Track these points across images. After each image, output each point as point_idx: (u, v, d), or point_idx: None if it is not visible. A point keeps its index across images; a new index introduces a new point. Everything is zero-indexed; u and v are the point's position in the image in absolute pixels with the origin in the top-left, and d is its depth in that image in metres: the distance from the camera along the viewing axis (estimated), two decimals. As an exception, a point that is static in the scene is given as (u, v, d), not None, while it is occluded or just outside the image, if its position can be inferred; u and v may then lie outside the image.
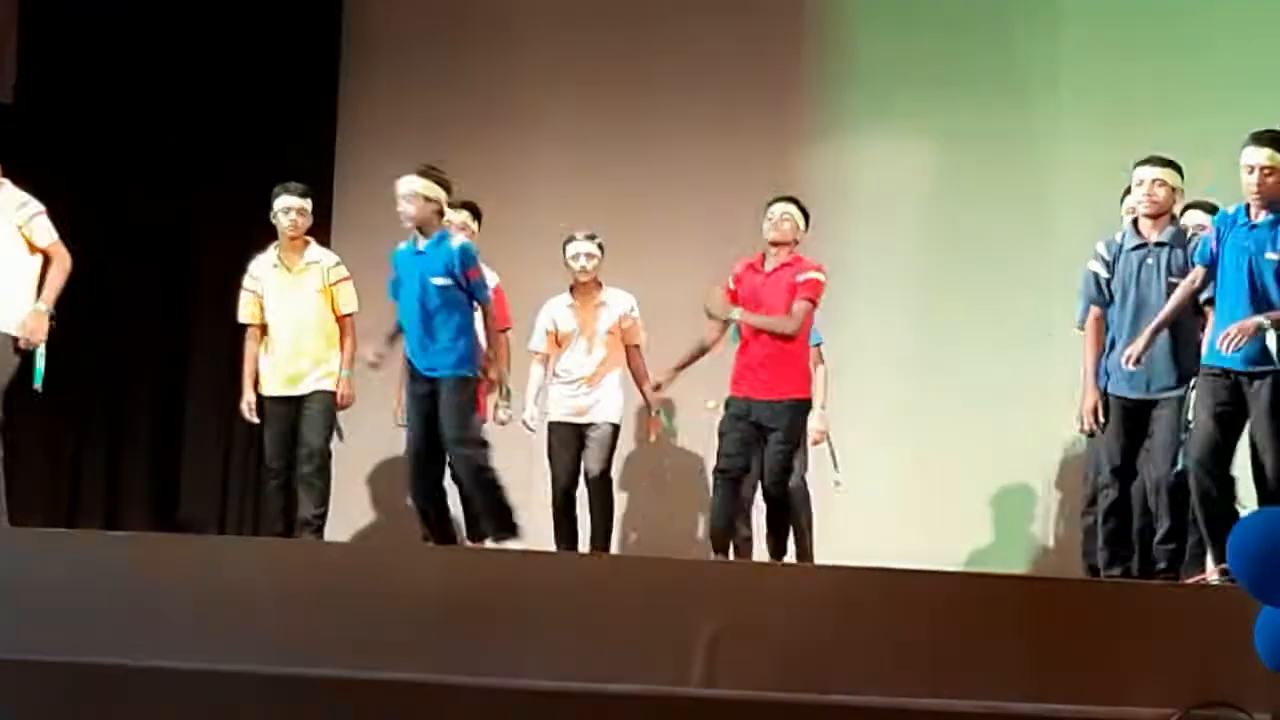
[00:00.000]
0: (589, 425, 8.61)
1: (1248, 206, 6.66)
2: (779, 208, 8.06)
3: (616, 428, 8.68)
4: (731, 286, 7.99)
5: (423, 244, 7.68)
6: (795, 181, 9.82)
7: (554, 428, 8.66)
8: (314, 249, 8.49)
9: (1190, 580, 6.87)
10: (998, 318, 9.09)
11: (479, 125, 10.05)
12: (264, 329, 8.43)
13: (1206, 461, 6.58)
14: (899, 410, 9.60)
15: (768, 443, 7.93)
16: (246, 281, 8.45)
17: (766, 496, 8.11)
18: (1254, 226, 6.61)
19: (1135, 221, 7.14)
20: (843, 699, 5.01)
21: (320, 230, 8.81)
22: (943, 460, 9.43)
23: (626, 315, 8.68)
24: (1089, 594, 6.44)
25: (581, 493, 8.66)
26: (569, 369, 8.67)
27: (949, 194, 9.75)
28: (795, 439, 8.08)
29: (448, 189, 7.76)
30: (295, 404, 8.37)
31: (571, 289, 8.72)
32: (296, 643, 5.89)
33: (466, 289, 7.67)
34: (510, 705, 4.88)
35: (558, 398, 8.69)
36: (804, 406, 8.01)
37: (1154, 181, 6.98)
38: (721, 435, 7.98)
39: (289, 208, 8.36)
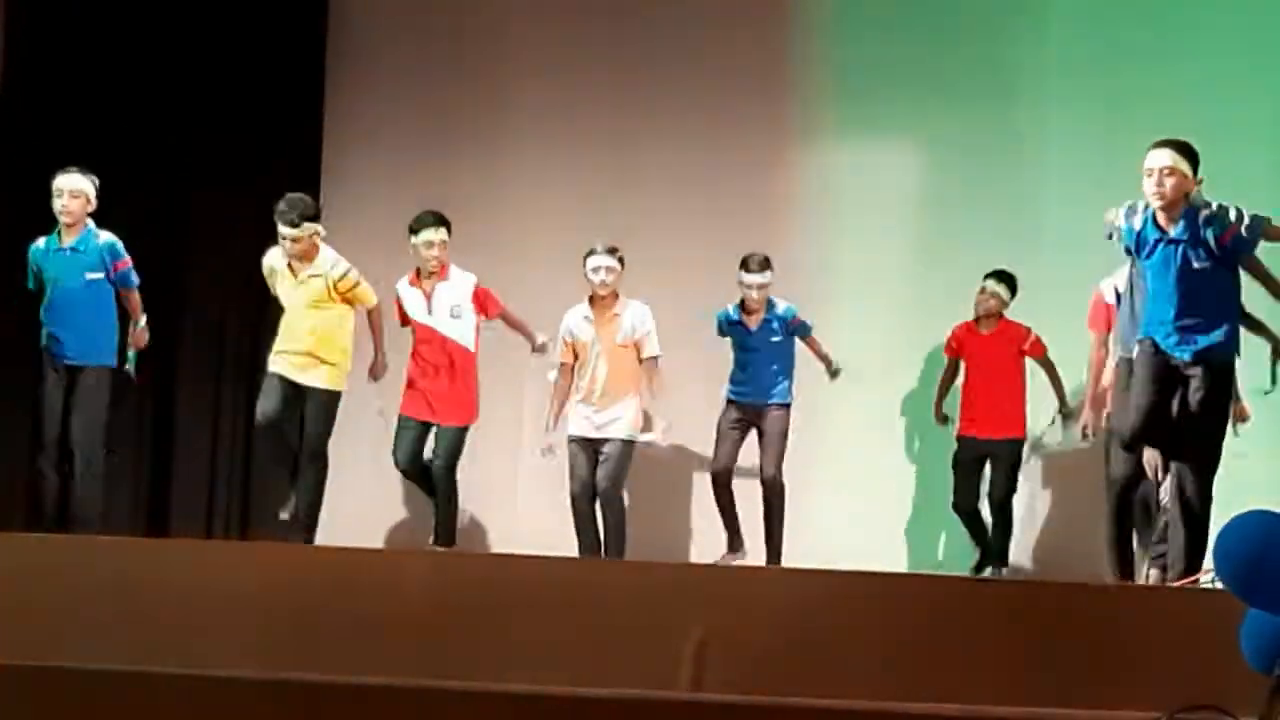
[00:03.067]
0: (603, 441, 8.63)
1: (1154, 215, 6.62)
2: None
3: (630, 444, 8.69)
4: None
5: (69, 240, 8.19)
6: (783, 186, 9.87)
7: (572, 440, 8.71)
8: (319, 260, 8.38)
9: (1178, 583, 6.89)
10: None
11: (466, 126, 10.06)
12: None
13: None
14: (886, 412, 9.61)
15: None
16: (264, 265, 8.53)
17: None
18: (1171, 241, 6.59)
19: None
20: (830, 703, 5.01)
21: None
22: (929, 464, 9.43)
23: (638, 328, 8.69)
24: (1074, 597, 6.44)
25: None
26: (584, 383, 8.69)
27: (936, 198, 9.77)
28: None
29: (96, 185, 8.30)
30: (296, 388, 8.38)
31: (590, 300, 8.72)
32: (285, 647, 5.89)
33: (114, 280, 8.21)
34: (496, 709, 4.88)
35: (575, 415, 8.71)
36: None
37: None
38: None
39: (284, 236, 8.33)
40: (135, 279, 8.34)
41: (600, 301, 8.71)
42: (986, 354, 8.95)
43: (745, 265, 8.82)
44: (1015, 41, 9.67)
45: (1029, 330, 8.96)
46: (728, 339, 9.00)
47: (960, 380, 9.11)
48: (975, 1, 9.78)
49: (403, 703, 4.96)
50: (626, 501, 8.77)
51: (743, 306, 8.90)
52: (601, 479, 8.62)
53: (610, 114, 9.98)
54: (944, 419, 9.08)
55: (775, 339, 8.86)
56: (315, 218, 8.38)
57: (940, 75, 9.62)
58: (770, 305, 8.88)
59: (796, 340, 8.96)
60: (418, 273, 8.67)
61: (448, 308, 8.60)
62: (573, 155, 9.96)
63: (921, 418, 9.52)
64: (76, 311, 8.22)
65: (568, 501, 8.75)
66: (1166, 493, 6.99)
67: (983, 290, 8.98)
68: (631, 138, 9.92)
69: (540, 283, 9.33)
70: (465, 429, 8.63)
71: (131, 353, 8.33)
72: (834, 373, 9.03)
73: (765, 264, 8.82)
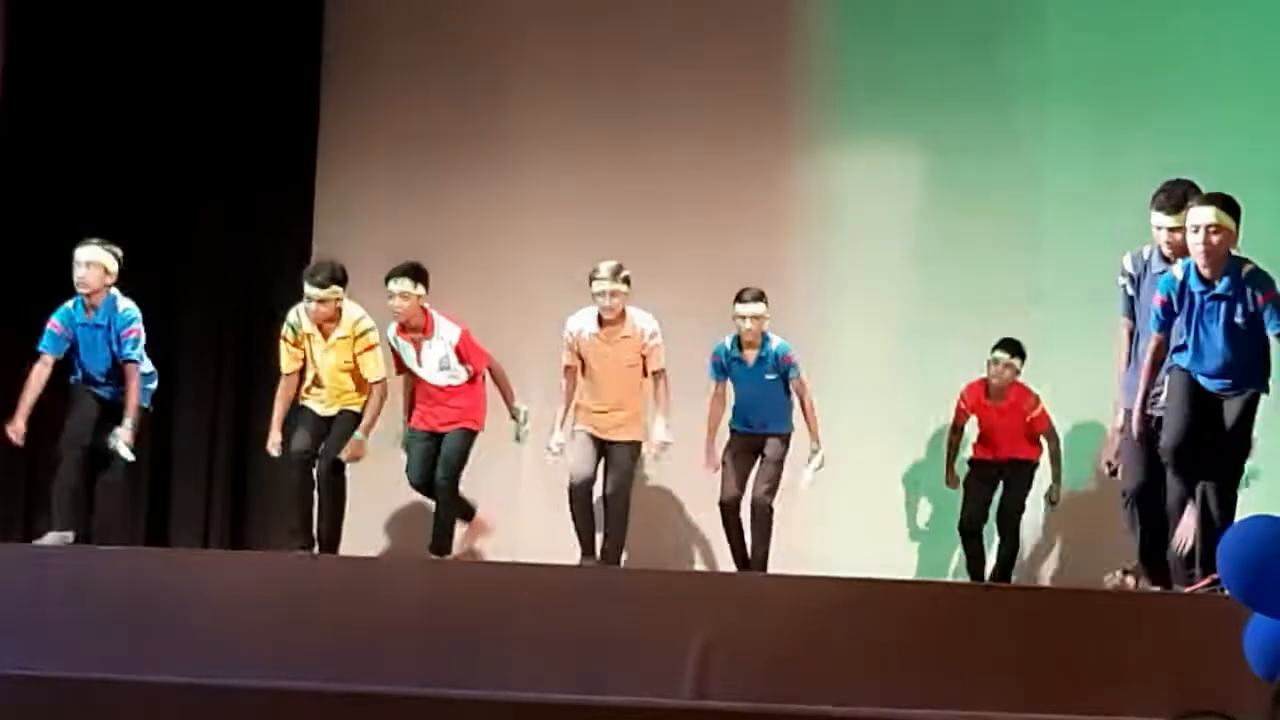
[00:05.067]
0: (610, 443, 8.59)
1: (1197, 268, 6.65)
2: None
3: (637, 446, 8.63)
4: None
5: (93, 314, 8.21)
6: (784, 193, 9.85)
7: (578, 432, 8.61)
8: (344, 320, 8.45)
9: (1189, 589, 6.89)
10: (985, 328, 9.08)
11: (465, 136, 10.02)
12: (300, 375, 8.53)
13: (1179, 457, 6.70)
14: (887, 422, 9.60)
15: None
16: (285, 332, 8.52)
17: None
18: (1216, 296, 6.63)
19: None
20: (833, 709, 5.02)
21: (302, 255, 8.78)
22: (933, 471, 9.43)
23: (645, 344, 8.62)
24: (1078, 603, 6.45)
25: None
26: (591, 401, 8.62)
27: (937, 205, 9.74)
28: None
29: (118, 257, 8.28)
30: (327, 426, 8.48)
31: (598, 320, 8.66)
32: (285, 655, 5.89)
33: (115, 347, 8.21)
34: (499, 717, 4.89)
35: (583, 419, 8.62)
36: None
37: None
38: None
39: (310, 298, 8.41)
40: (136, 352, 8.28)
41: (607, 324, 8.67)
42: (999, 418, 8.97)
43: (739, 297, 8.71)
44: (1015, 49, 9.64)
45: (1037, 400, 8.91)
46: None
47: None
48: (975, 9, 9.76)
49: (404, 711, 4.97)
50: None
51: (739, 342, 8.85)
52: (610, 483, 8.58)
53: (611, 122, 9.94)
54: (956, 480, 9.03)
55: (769, 377, 8.80)
56: (343, 282, 8.46)
57: (940, 82, 9.60)
58: (765, 341, 8.82)
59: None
60: (402, 326, 8.62)
61: (436, 362, 8.58)
62: (574, 164, 9.92)
63: (922, 423, 9.51)
64: (108, 381, 8.27)
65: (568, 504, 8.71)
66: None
67: (995, 362, 8.89)
68: (632, 146, 9.89)
69: (541, 293, 9.31)
70: (471, 435, 8.61)
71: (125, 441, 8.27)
72: (816, 458, 8.76)
73: (759, 296, 8.70)
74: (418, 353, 8.60)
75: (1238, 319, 6.62)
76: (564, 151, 9.95)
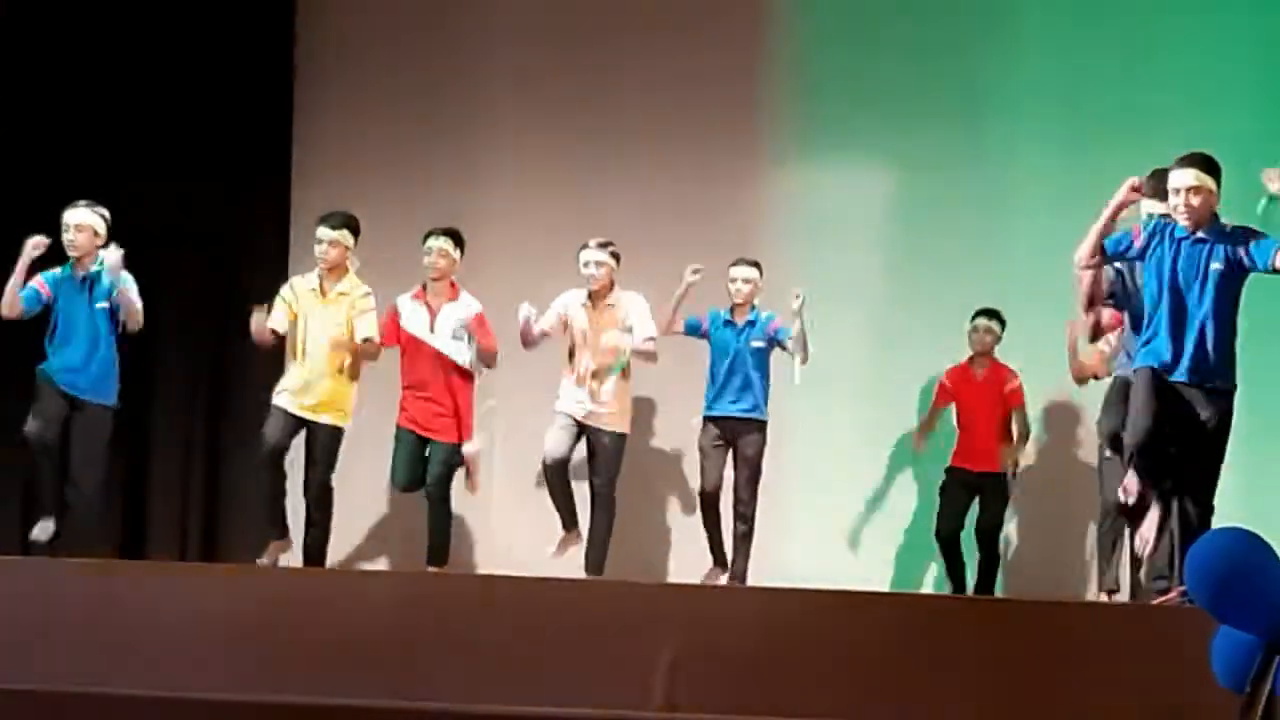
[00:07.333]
0: (594, 431, 8.61)
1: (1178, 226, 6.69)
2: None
3: (623, 438, 8.67)
4: None
5: (81, 271, 8.28)
6: (756, 205, 9.88)
7: (559, 414, 8.64)
8: (349, 279, 8.49)
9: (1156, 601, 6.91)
10: (957, 342, 9.12)
11: (439, 143, 10.04)
12: (283, 340, 8.54)
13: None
14: (859, 434, 9.63)
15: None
16: (284, 291, 8.55)
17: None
18: (1198, 241, 6.62)
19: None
20: (804, 722, 5.03)
21: (278, 250, 8.77)
22: (905, 482, 9.45)
23: (626, 319, 8.65)
24: (1049, 615, 6.47)
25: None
26: (577, 367, 8.64)
27: (908, 218, 9.78)
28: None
29: (106, 220, 8.35)
30: (299, 424, 8.43)
31: (588, 293, 8.72)
32: (262, 669, 5.88)
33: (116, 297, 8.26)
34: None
35: (565, 395, 8.68)
36: None
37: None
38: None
39: (321, 239, 8.47)
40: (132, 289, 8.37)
41: (595, 295, 8.70)
42: (979, 397, 9.04)
43: (735, 263, 8.88)
44: (986, 62, 9.69)
45: (1014, 374, 9.01)
46: (704, 343, 8.96)
47: (954, 416, 9.16)
48: (946, 23, 9.80)
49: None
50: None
51: (732, 309, 8.92)
52: (596, 476, 8.62)
53: (581, 135, 9.98)
54: (921, 444, 9.18)
55: (757, 343, 8.86)
56: (355, 232, 8.51)
57: (912, 96, 9.64)
58: (755, 311, 8.89)
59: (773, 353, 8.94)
60: (424, 287, 8.68)
61: (451, 328, 8.60)
62: (545, 174, 9.96)
63: (894, 434, 9.54)
64: (82, 342, 8.26)
65: (544, 519, 8.71)
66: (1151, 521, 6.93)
67: (975, 328, 9.03)
68: (601, 158, 9.93)
69: (512, 300, 9.31)
70: (460, 447, 8.62)
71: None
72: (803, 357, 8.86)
73: (754, 264, 8.90)
74: (432, 318, 8.61)
75: (1215, 264, 6.57)
76: (535, 162, 9.97)
